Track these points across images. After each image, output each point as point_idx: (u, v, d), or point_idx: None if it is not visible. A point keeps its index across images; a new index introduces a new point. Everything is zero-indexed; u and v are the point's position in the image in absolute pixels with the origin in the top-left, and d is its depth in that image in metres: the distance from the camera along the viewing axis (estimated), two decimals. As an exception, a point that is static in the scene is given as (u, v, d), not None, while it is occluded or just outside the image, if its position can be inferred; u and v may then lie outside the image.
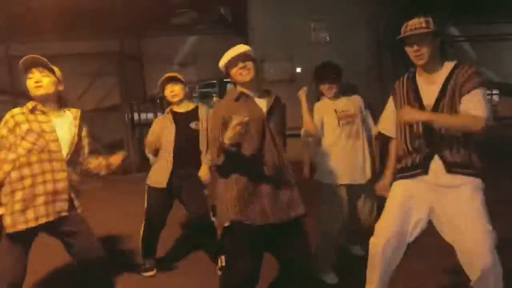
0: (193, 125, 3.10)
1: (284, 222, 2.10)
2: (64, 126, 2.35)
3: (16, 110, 2.28)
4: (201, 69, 7.96)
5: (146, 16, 7.23)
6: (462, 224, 2.03)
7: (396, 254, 2.22)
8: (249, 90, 2.18)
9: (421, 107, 2.16)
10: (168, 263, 3.47)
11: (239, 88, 2.18)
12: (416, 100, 2.19)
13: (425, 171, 2.14)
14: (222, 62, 2.18)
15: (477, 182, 2.08)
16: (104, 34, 7.32)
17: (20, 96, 7.26)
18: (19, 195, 2.16)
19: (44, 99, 2.30)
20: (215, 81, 11.95)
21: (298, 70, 6.63)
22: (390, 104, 2.37)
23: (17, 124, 2.22)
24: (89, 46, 7.17)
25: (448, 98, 2.09)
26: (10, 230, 2.13)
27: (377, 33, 6.63)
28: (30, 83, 2.28)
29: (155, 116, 10.29)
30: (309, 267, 2.26)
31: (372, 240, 2.24)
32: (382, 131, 2.46)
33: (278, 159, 2.16)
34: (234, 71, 2.14)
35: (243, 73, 2.13)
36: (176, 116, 3.15)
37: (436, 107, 2.12)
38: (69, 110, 2.43)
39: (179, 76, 3.15)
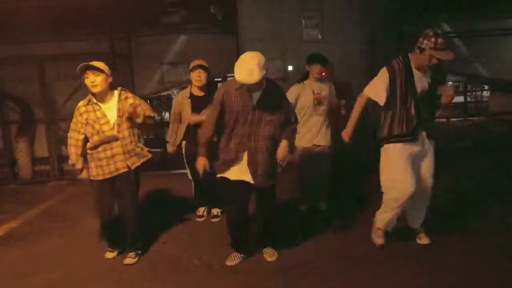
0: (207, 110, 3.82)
1: (259, 186, 3.14)
2: (113, 108, 3.31)
3: (80, 103, 3.34)
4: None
5: (136, 15, 7.12)
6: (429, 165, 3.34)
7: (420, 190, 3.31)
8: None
9: (414, 92, 3.13)
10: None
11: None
12: (411, 85, 3.13)
13: (415, 138, 3.22)
14: (236, 77, 2.93)
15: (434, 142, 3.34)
16: (94, 34, 7.19)
17: (6, 97, 7.13)
18: (92, 160, 3.38)
19: (99, 93, 3.23)
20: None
21: (290, 68, 6.55)
22: (385, 78, 3.14)
23: (80, 114, 3.30)
24: (78, 46, 7.03)
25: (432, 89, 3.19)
26: (94, 179, 3.41)
27: (370, 30, 6.57)
28: (88, 83, 3.18)
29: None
30: (270, 215, 3.39)
31: (404, 191, 3.20)
32: (372, 97, 3.23)
33: (262, 140, 3.07)
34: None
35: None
36: (193, 98, 4.12)
37: (423, 93, 3.15)
38: (116, 91, 3.36)
39: (206, 65, 4.11)
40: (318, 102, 4.21)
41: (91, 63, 3.16)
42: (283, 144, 3.16)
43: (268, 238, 3.49)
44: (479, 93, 16.01)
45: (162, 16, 7.65)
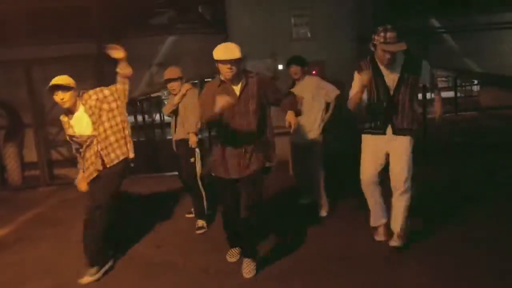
0: None
1: (243, 177, 3.13)
2: (82, 115, 3.31)
3: (62, 115, 3.35)
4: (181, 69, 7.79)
5: (124, 16, 7.04)
6: (398, 160, 3.31)
7: (378, 183, 3.46)
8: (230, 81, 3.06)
9: (384, 87, 3.24)
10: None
11: (221, 77, 3.06)
12: (380, 82, 3.24)
13: (384, 132, 3.32)
14: (216, 57, 2.96)
15: (410, 138, 3.31)
16: (81, 36, 7.09)
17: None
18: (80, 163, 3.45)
19: (69, 108, 3.27)
20: (196, 81, 11.75)
21: (280, 67, 6.52)
22: (355, 80, 3.33)
23: (62, 124, 3.38)
24: (65, 49, 6.92)
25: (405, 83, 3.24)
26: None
27: (359, 27, 6.56)
28: (57, 100, 3.22)
29: (135, 119, 10.13)
30: (250, 214, 3.15)
31: (363, 179, 3.47)
32: (354, 96, 3.34)
33: (248, 132, 3.08)
34: (222, 68, 2.99)
35: (228, 72, 2.99)
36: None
37: (396, 89, 3.23)
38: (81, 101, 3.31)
39: (177, 75, 4.19)
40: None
41: (57, 82, 3.15)
42: (289, 112, 3.02)
43: (249, 244, 3.27)
44: (469, 88, 16.13)
45: (150, 17, 7.59)
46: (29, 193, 6.47)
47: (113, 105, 3.36)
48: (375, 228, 3.60)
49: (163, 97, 16.85)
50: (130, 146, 3.50)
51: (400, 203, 3.35)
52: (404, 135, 3.29)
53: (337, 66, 6.22)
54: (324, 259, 3.39)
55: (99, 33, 6.89)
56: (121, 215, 4.44)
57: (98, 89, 3.39)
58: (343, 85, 6.49)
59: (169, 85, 4.21)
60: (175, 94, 4.21)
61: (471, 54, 7.75)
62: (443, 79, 18.52)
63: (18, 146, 7.16)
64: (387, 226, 3.52)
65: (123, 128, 3.44)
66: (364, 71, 3.18)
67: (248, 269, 3.19)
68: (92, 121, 3.29)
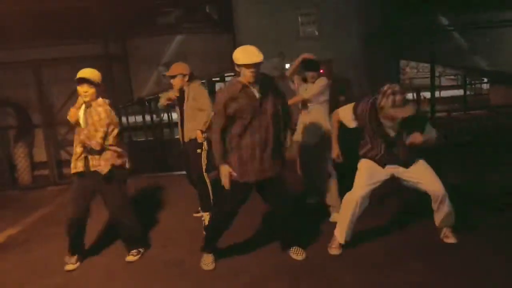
0: None
1: (265, 180, 3.17)
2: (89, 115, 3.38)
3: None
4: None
5: (131, 16, 7.07)
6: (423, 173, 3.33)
7: (363, 205, 3.35)
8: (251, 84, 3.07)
9: (383, 133, 3.20)
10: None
11: (242, 81, 3.06)
12: (379, 131, 3.22)
13: (383, 167, 3.31)
14: (240, 62, 2.98)
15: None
16: (88, 37, 7.13)
17: (2, 103, 7.08)
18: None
19: (88, 101, 3.37)
20: (203, 81, 11.75)
21: (288, 66, 6.49)
22: (350, 112, 3.32)
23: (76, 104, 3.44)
24: (74, 50, 6.97)
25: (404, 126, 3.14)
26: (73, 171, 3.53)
27: (367, 26, 6.52)
28: (80, 91, 3.35)
29: (143, 119, 10.16)
30: (287, 208, 3.39)
31: (349, 196, 3.36)
32: (342, 119, 3.42)
33: (268, 134, 3.10)
34: (246, 72, 3.00)
35: (252, 76, 3.00)
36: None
37: (396, 137, 3.20)
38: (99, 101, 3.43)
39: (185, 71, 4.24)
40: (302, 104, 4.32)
41: (85, 75, 3.31)
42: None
43: (293, 236, 3.49)
44: (478, 86, 15.93)
45: (157, 17, 7.61)
46: (38, 193, 6.52)
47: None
48: (333, 241, 3.50)
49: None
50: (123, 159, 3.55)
51: (445, 207, 3.34)
52: (411, 163, 3.28)
53: (344, 65, 6.20)
54: (331, 258, 3.38)
55: (106, 34, 6.93)
56: None
57: (101, 116, 3.39)
58: (349, 84, 6.51)
59: (172, 81, 4.27)
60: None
61: (481, 51, 7.66)
62: (452, 77, 18.33)
63: (28, 146, 7.22)
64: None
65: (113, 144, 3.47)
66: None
67: (299, 252, 3.41)
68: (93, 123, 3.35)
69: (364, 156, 3.38)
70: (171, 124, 10.25)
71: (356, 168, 3.43)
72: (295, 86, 4.34)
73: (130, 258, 3.60)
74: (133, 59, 7.50)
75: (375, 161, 3.32)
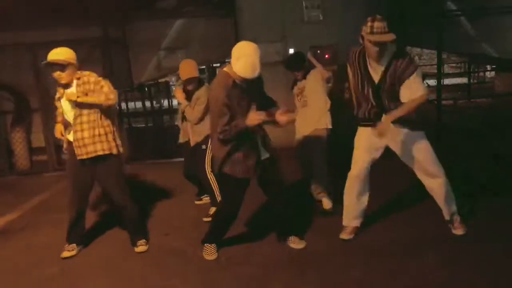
0: None
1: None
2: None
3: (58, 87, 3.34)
4: (189, 54, 7.63)
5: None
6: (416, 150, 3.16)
7: (366, 178, 3.33)
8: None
9: (370, 80, 3.05)
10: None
11: (232, 75, 2.95)
12: (366, 75, 3.05)
13: (375, 125, 3.05)
14: (241, 74, 2.89)
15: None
16: (86, 20, 6.95)
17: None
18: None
19: (66, 84, 3.23)
20: (203, 67, 11.57)
21: (291, 51, 6.35)
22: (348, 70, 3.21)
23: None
24: (71, 33, 6.79)
25: (389, 78, 2.97)
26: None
27: (373, 9, 6.35)
28: (55, 75, 3.18)
29: (143, 105, 10.02)
30: (281, 195, 3.32)
31: (351, 172, 3.32)
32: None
33: (258, 129, 3.06)
34: (238, 76, 2.90)
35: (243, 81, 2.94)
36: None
37: (380, 83, 3.02)
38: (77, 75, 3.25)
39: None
40: (300, 95, 4.17)
41: (54, 57, 3.10)
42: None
43: (290, 225, 3.42)
44: (482, 74, 15.79)
45: (158, 0, 7.41)
46: (36, 179, 6.43)
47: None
48: (345, 227, 3.46)
49: (171, 83, 16.70)
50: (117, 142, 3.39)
51: (440, 189, 3.24)
52: (401, 126, 3.08)
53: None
54: (338, 249, 3.29)
55: (105, 17, 6.75)
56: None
57: (96, 78, 3.25)
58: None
59: (189, 87, 3.94)
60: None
61: (489, 39, 7.48)
62: (453, 65, 18.16)
63: (26, 131, 7.10)
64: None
65: (107, 125, 3.31)
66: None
67: (297, 241, 3.36)
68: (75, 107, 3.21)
69: (357, 120, 3.27)
70: (171, 111, 10.14)
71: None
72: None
73: (140, 248, 3.48)
74: (133, 43, 7.32)
75: (365, 120, 3.17)
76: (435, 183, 3.25)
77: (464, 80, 11.37)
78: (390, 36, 2.84)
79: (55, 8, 6.31)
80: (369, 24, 2.88)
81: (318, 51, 5.82)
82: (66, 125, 3.35)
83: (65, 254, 3.46)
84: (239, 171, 3.05)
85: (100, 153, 3.27)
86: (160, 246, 3.56)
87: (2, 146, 6.97)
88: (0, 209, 4.86)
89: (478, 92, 11.53)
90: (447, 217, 3.38)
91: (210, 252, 3.30)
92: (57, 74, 3.15)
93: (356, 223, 3.43)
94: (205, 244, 3.32)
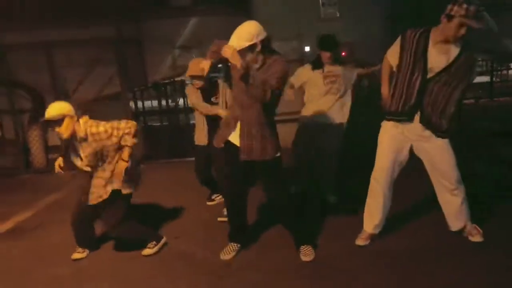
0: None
1: (258, 162, 2.94)
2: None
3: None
4: (204, 52, 7.58)
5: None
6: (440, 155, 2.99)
7: (390, 181, 3.12)
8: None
9: (424, 65, 2.82)
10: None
11: None
12: (421, 61, 2.82)
13: (410, 119, 2.92)
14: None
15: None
16: (100, 19, 6.96)
17: (17, 86, 7.01)
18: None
19: (70, 137, 3.14)
20: (220, 65, 11.47)
21: (307, 49, 6.23)
22: (397, 42, 2.94)
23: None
24: (85, 32, 6.82)
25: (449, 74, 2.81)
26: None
27: (392, 6, 6.18)
28: (57, 132, 3.11)
29: (159, 104, 10.00)
30: (282, 195, 3.11)
31: (375, 173, 3.12)
32: (389, 59, 3.05)
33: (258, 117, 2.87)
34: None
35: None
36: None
37: (437, 74, 2.82)
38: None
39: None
40: (329, 81, 3.93)
41: (47, 116, 3.03)
42: None
43: (303, 233, 3.25)
44: (505, 72, 15.29)
45: (172, -1, 7.40)
46: (52, 177, 6.42)
47: (108, 142, 3.16)
48: (363, 232, 3.30)
49: (187, 82, 16.70)
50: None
51: (457, 198, 3.08)
52: (433, 133, 2.93)
53: (367, 48, 5.89)
54: (351, 255, 3.17)
55: (119, 15, 6.75)
56: (140, 204, 4.39)
57: (95, 122, 3.17)
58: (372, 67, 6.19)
59: (195, 82, 3.89)
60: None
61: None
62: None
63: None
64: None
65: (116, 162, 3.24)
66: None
67: (308, 252, 3.14)
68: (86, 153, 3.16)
69: (386, 112, 3.04)
70: (187, 110, 10.11)
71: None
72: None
73: (147, 251, 3.40)
74: (147, 42, 7.32)
75: (397, 115, 2.95)
76: (452, 198, 3.09)
77: (486, 78, 10.98)
78: (483, 23, 2.68)
79: (69, 7, 6.34)
80: (464, 5, 2.65)
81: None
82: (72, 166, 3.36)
83: (77, 255, 3.43)
84: (216, 141, 3.06)
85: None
86: (169, 248, 3.49)
87: (19, 144, 7.05)
88: (14, 208, 4.88)
89: (501, 91, 11.13)
90: (454, 229, 3.21)
91: (225, 251, 3.24)
92: (56, 131, 3.08)
93: (376, 230, 3.26)
94: (229, 243, 3.28)
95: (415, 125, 2.95)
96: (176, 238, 3.67)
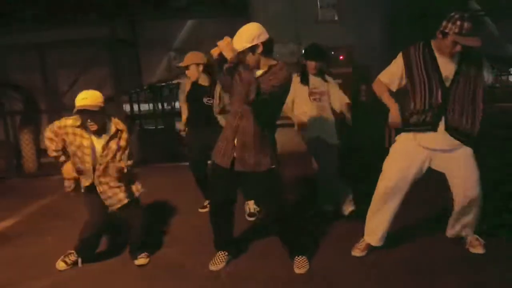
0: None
1: (251, 173, 2.80)
2: (101, 142, 3.02)
3: (69, 121, 2.99)
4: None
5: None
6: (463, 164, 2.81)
7: (400, 194, 2.91)
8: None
9: (439, 77, 2.72)
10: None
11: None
12: (434, 71, 2.73)
13: (433, 128, 2.77)
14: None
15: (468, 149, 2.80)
16: (97, 20, 6.83)
17: (7, 87, 6.87)
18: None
19: (98, 130, 2.96)
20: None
21: (305, 52, 6.09)
22: (399, 64, 2.81)
23: (66, 133, 2.99)
24: (81, 32, 6.67)
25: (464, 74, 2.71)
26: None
27: (392, 9, 6.06)
28: (87, 123, 2.90)
29: (154, 107, 9.86)
30: (276, 207, 2.95)
31: (378, 186, 2.95)
32: (385, 82, 2.89)
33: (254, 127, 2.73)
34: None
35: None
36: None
37: (454, 80, 2.72)
38: (112, 124, 3.05)
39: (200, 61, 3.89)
40: (314, 98, 3.79)
41: (83, 103, 2.81)
42: None
43: (298, 244, 3.08)
44: (505, 77, 15.21)
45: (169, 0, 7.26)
46: (43, 181, 6.30)
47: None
48: (361, 241, 3.16)
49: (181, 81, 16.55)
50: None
51: (474, 209, 2.93)
52: (459, 140, 2.77)
53: (366, 52, 5.76)
54: (349, 269, 3.02)
55: (114, 16, 6.61)
56: None
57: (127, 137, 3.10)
58: (370, 71, 6.05)
59: (187, 72, 3.98)
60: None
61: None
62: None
63: (34, 132, 7.00)
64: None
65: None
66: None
67: (301, 264, 2.99)
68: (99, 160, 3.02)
69: (406, 128, 2.86)
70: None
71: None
72: None
73: (140, 261, 3.24)
74: (143, 44, 7.18)
75: (419, 125, 2.79)
76: (469, 209, 2.92)
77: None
78: (479, 42, 2.57)
79: (62, 8, 6.21)
80: (458, 22, 2.57)
81: (333, 52, 5.56)
82: (80, 172, 3.10)
83: (61, 266, 3.25)
84: (214, 155, 2.91)
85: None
86: (158, 258, 3.33)
87: (10, 147, 6.89)
88: (0, 214, 4.72)
89: (503, 96, 11.01)
90: (451, 236, 3.11)
91: (214, 262, 3.09)
92: (88, 122, 2.88)
93: (380, 243, 3.09)
94: (217, 252, 3.12)
95: (438, 135, 2.78)
96: (166, 247, 3.51)
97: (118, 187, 3.08)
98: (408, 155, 2.86)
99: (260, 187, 2.92)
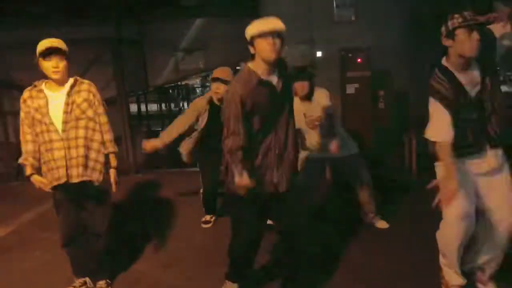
0: None
1: (274, 194, 2.40)
2: (61, 100, 2.62)
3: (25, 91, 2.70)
4: (209, 56, 7.15)
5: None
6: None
7: (471, 227, 2.43)
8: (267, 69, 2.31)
9: (469, 97, 2.35)
10: None
11: (253, 70, 2.31)
12: (462, 94, 2.33)
13: (481, 150, 2.39)
14: (252, 32, 2.27)
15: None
16: (103, 19, 6.58)
17: (9, 86, 6.67)
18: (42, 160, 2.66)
19: (58, 81, 2.63)
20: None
21: (319, 54, 5.78)
22: (438, 109, 2.36)
23: (24, 101, 2.67)
24: (86, 32, 6.44)
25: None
26: (47, 187, 2.62)
27: (412, 9, 5.70)
28: (48, 67, 2.56)
29: (160, 108, 9.60)
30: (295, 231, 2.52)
31: (452, 213, 2.38)
32: (445, 140, 2.36)
33: (286, 139, 2.39)
34: (262, 45, 2.24)
35: (271, 51, 2.23)
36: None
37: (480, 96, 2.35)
38: (71, 79, 2.68)
39: (227, 78, 3.51)
40: (314, 126, 3.19)
41: (53, 44, 2.54)
42: None
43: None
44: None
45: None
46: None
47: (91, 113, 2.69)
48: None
49: (195, 85, 16.33)
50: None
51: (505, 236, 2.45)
52: (497, 147, 2.41)
53: (385, 54, 5.42)
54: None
55: (119, 15, 6.34)
56: (129, 222, 3.97)
57: (98, 94, 2.73)
58: (389, 76, 5.71)
59: (216, 85, 3.61)
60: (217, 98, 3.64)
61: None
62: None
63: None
64: None
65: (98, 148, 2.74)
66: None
67: None
68: (64, 120, 2.60)
69: (455, 150, 2.39)
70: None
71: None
72: None
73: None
74: (149, 44, 6.91)
75: (466, 147, 2.39)
76: (496, 235, 2.46)
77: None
78: (492, 16, 2.34)
79: (66, 6, 5.99)
80: (456, 15, 2.27)
81: (350, 55, 5.23)
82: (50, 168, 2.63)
83: None
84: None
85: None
86: (155, 281, 3.01)
87: (10, 148, 6.66)
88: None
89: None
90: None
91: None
92: (54, 63, 2.53)
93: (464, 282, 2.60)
94: (226, 282, 2.70)
95: (483, 156, 2.41)
96: (165, 268, 3.19)
97: (96, 161, 2.69)
98: (462, 181, 2.38)
99: (285, 207, 2.50)
